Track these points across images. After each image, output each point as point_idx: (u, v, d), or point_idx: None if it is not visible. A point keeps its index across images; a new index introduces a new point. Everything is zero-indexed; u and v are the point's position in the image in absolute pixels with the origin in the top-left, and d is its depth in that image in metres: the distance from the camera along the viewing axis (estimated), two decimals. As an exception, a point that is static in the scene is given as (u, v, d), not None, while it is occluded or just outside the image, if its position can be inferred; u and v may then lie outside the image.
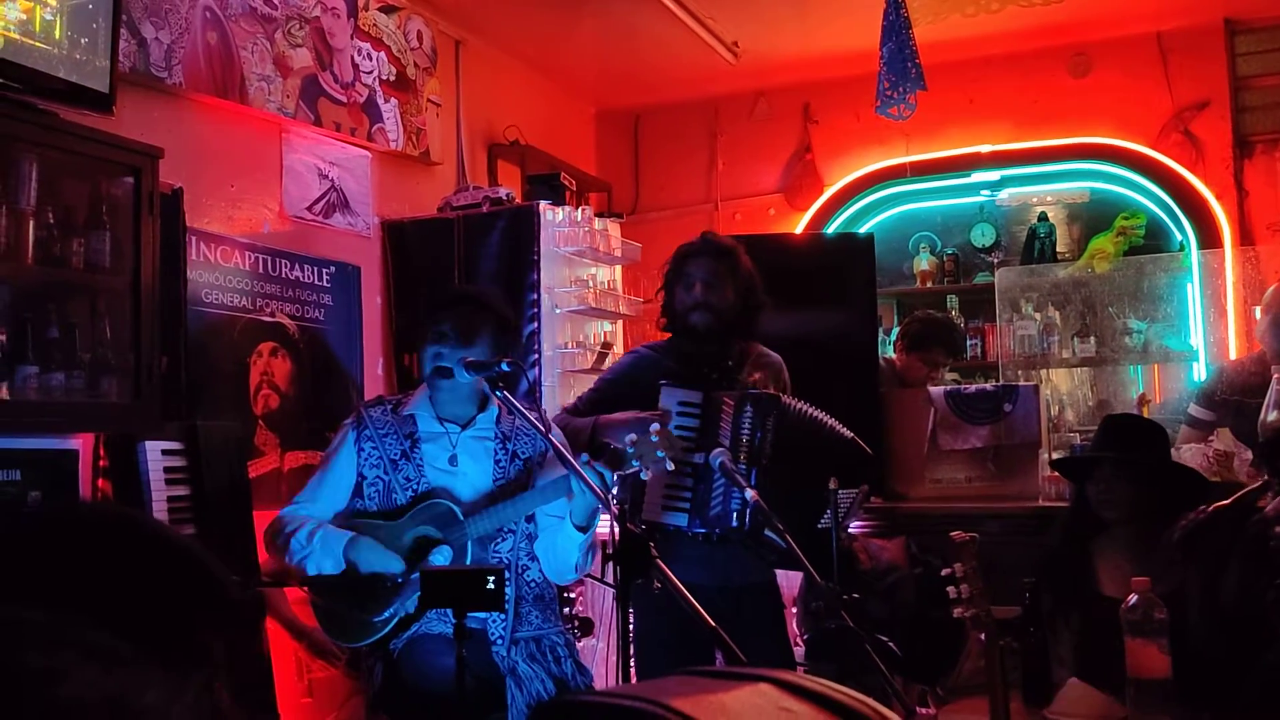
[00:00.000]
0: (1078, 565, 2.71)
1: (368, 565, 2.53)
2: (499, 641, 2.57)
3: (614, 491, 2.41)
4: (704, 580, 2.65)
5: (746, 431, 2.76)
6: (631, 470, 2.48)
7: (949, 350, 4.67)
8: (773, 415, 2.77)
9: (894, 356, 4.72)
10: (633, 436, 2.47)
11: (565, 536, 2.60)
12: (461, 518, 2.56)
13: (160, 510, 2.95)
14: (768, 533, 2.69)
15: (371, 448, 2.69)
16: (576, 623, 3.32)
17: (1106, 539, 2.72)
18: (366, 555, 2.53)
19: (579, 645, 2.97)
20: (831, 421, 2.82)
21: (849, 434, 2.81)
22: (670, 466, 2.52)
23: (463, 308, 2.71)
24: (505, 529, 2.63)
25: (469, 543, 2.55)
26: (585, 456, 2.49)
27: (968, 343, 5.53)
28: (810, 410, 2.83)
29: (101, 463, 2.98)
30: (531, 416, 2.50)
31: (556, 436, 2.55)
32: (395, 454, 2.67)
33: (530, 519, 2.68)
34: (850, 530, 3.65)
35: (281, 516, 2.70)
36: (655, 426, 2.47)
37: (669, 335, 3.11)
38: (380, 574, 2.53)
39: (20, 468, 2.74)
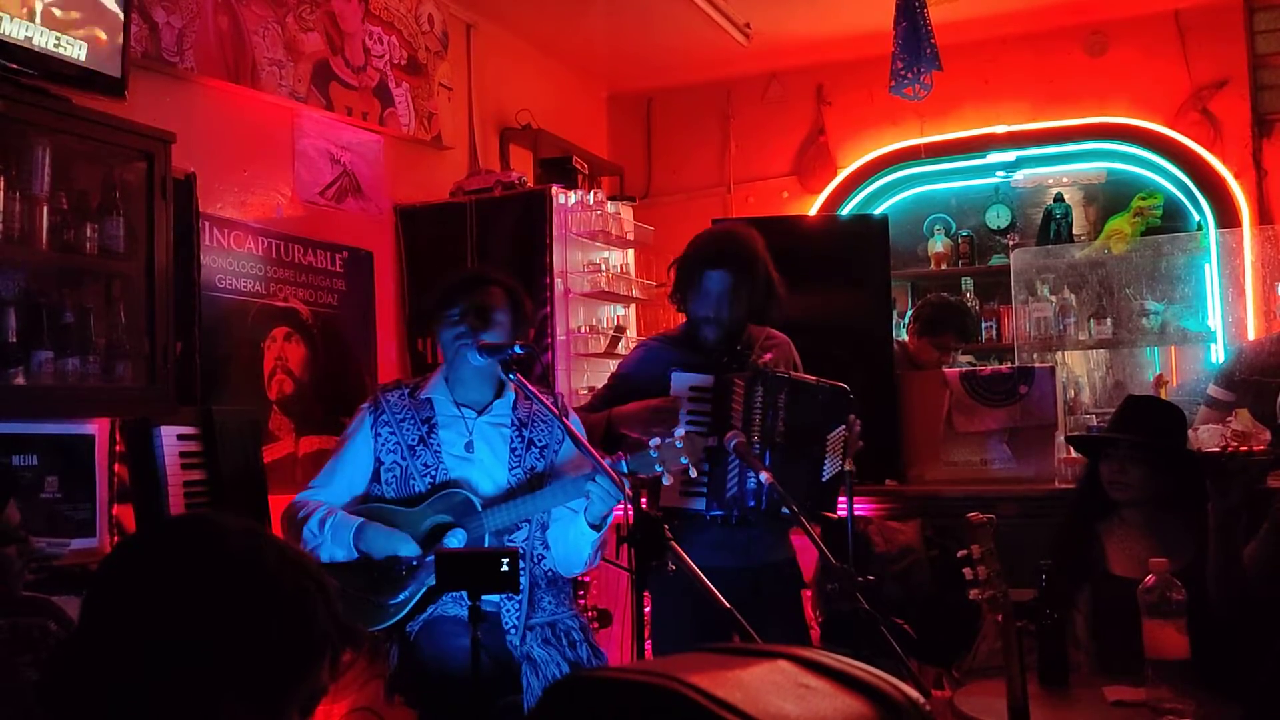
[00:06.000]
0: (1087, 545, 2.69)
1: (381, 552, 2.52)
2: (513, 631, 2.57)
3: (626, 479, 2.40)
4: (725, 563, 2.65)
5: (759, 411, 2.76)
6: (654, 474, 2.49)
7: (960, 335, 4.64)
8: (784, 393, 2.77)
9: (906, 340, 4.70)
10: (657, 441, 2.47)
11: (578, 532, 2.59)
12: (480, 509, 2.55)
13: (176, 495, 2.96)
14: (785, 511, 2.68)
15: (389, 433, 2.68)
16: (594, 613, 3.31)
17: (1116, 520, 2.70)
18: (378, 542, 2.53)
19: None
20: (833, 383, 2.80)
21: (841, 385, 2.80)
22: (694, 474, 2.53)
23: (478, 289, 2.70)
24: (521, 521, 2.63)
25: (486, 534, 2.54)
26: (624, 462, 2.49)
27: (983, 325, 5.50)
28: (815, 380, 2.82)
29: (118, 447, 3.00)
30: (546, 401, 2.49)
31: (573, 421, 2.53)
32: (413, 440, 2.66)
33: None
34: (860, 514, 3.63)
35: (295, 503, 2.69)
36: (680, 432, 2.47)
37: (681, 320, 3.09)
38: (396, 558, 2.53)
39: (37, 452, 2.76)
